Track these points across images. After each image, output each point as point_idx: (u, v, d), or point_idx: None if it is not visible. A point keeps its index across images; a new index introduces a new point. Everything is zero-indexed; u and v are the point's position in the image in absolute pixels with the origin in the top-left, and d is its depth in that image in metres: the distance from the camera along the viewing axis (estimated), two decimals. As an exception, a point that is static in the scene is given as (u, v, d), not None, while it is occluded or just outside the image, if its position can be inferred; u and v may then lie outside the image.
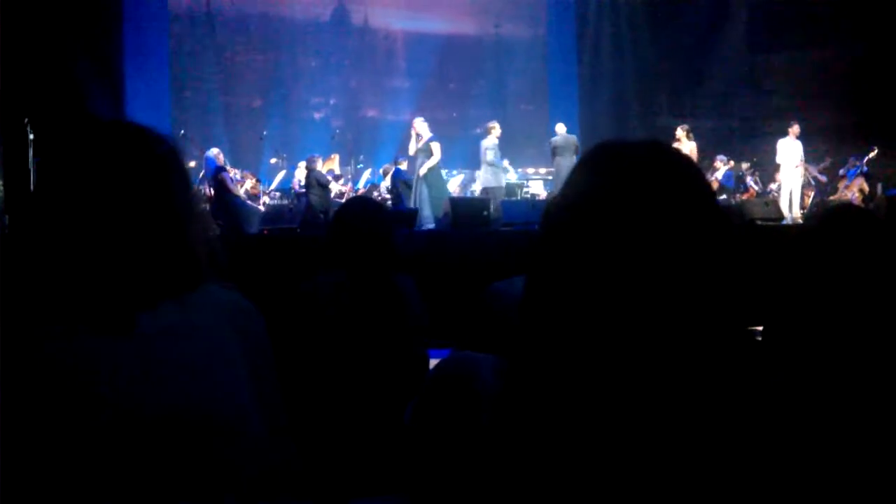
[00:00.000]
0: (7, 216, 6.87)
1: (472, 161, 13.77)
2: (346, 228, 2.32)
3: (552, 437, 0.73)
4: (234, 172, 9.95)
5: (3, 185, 6.84)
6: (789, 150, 10.89)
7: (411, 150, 9.56)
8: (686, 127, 10.98)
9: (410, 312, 2.35)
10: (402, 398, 2.17)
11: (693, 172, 0.78)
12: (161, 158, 1.06)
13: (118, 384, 0.96)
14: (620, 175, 0.75)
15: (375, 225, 2.32)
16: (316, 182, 9.75)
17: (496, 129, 9.91)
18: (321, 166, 10.17)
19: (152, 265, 1.01)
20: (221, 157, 9.61)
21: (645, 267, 0.72)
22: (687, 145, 10.72)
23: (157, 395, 0.97)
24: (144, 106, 12.10)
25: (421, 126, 9.52)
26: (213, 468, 0.99)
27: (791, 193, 10.85)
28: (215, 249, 1.10)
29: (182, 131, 11.94)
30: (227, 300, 1.10)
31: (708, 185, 0.79)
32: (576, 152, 10.58)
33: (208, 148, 9.82)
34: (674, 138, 10.80)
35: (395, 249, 2.36)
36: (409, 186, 9.98)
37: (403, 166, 10.74)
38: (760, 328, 1.91)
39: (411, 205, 9.22)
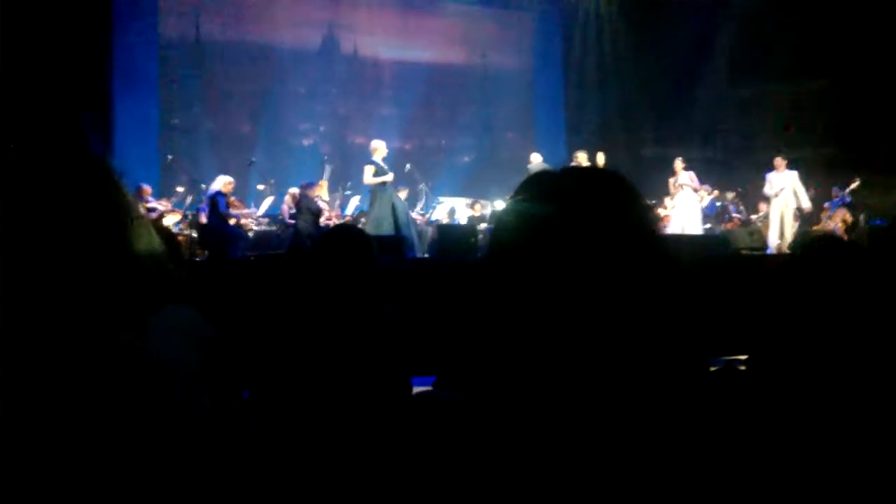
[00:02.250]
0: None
1: (460, 188, 13.85)
2: (329, 255, 2.32)
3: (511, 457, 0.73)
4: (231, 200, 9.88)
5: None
6: (775, 183, 10.98)
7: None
8: (682, 158, 11.21)
9: (394, 340, 2.34)
10: (384, 423, 2.16)
11: (625, 197, 0.78)
12: (100, 184, 1.05)
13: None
14: (552, 200, 0.76)
15: (359, 252, 2.32)
16: (307, 209, 9.73)
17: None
18: (315, 193, 10.19)
19: (104, 291, 0.99)
20: (230, 186, 9.56)
21: (574, 286, 0.72)
22: (683, 175, 10.96)
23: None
24: (132, 131, 12.11)
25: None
26: None
27: (782, 223, 10.86)
28: (163, 266, 1.08)
29: (170, 156, 11.93)
30: (181, 318, 1.11)
31: (642, 209, 0.79)
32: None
33: (206, 175, 9.78)
34: (672, 171, 11.05)
35: (376, 277, 2.35)
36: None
37: (402, 194, 10.74)
38: (743, 357, 1.92)
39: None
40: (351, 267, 2.29)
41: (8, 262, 0.96)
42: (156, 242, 1.07)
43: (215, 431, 1.05)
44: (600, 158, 11.30)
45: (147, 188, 10.39)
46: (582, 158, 10.85)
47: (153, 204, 10.22)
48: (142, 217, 1.08)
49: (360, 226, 9.73)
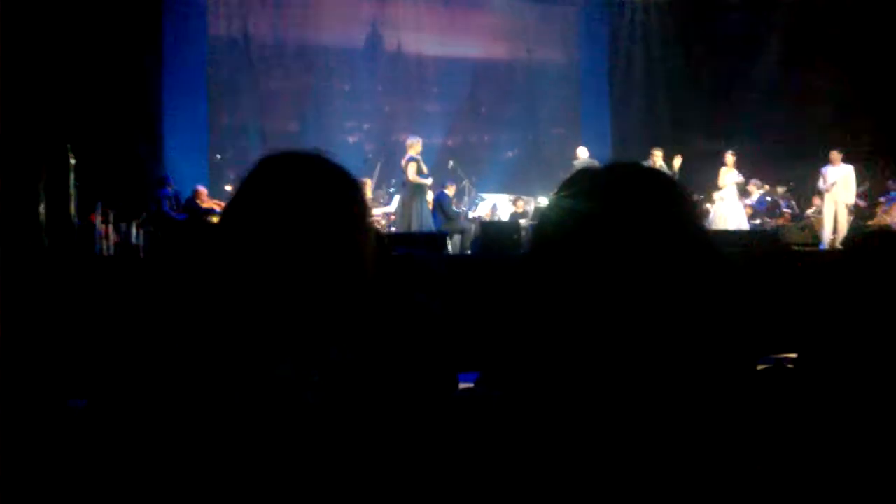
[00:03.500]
0: (48, 238, 7.02)
1: (503, 185, 13.81)
2: None
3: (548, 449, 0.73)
4: None
5: (46, 209, 7.00)
6: (830, 178, 10.71)
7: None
8: (733, 152, 11.01)
9: (435, 334, 2.35)
10: (424, 420, 2.16)
11: (670, 193, 0.78)
12: (349, 194, 1.09)
13: None
14: (596, 197, 0.76)
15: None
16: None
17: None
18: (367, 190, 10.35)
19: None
20: None
21: (621, 281, 0.72)
22: (732, 172, 10.80)
23: None
24: (182, 130, 12.35)
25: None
26: None
27: (836, 218, 10.61)
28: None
29: (218, 155, 12.14)
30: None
31: (687, 205, 0.79)
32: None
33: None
34: (722, 163, 10.88)
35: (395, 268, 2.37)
36: (445, 211, 10.08)
37: (450, 191, 10.86)
38: (793, 355, 1.87)
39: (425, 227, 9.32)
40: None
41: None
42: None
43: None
44: (677, 161, 11.11)
45: (203, 189, 10.60)
46: (658, 156, 10.77)
47: (209, 204, 10.40)
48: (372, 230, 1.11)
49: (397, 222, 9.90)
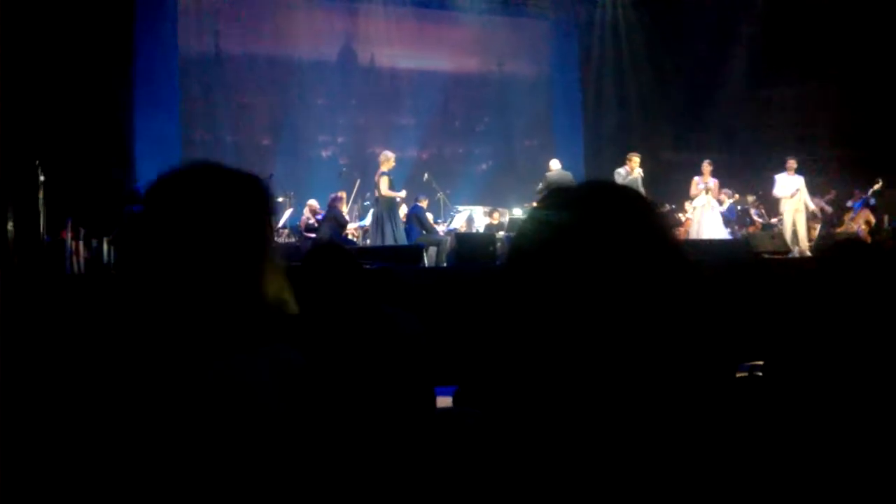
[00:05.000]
0: (16, 256, 6.92)
1: (477, 197, 13.86)
2: (313, 273, 2.33)
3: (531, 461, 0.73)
4: None
5: (14, 226, 6.89)
6: (786, 185, 10.93)
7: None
8: (709, 162, 11.16)
9: (408, 349, 2.35)
10: (405, 437, 2.16)
11: (641, 205, 0.80)
12: (253, 206, 1.08)
13: None
14: (571, 209, 0.78)
15: (342, 265, 2.34)
16: (334, 218, 9.89)
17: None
18: (343, 206, 10.38)
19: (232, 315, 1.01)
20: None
21: (597, 293, 0.73)
22: (711, 180, 10.96)
23: None
24: (154, 145, 12.24)
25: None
26: None
27: (795, 226, 10.83)
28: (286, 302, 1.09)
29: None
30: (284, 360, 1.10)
31: (658, 216, 0.81)
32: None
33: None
34: (699, 172, 11.03)
35: (367, 286, 2.37)
36: (423, 223, 10.13)
37: (423, 203, 10.89)
38: (760, 363, 1.90)
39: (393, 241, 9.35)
40: (337, 280, 2.30)
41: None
42: (282, 282, 1.08)
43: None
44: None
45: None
46: (635, 161, 10.81)
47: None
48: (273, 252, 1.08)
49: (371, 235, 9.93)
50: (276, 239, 1.14)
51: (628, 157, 11.00)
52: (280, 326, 1.07)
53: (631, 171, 10.76)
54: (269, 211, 1.11)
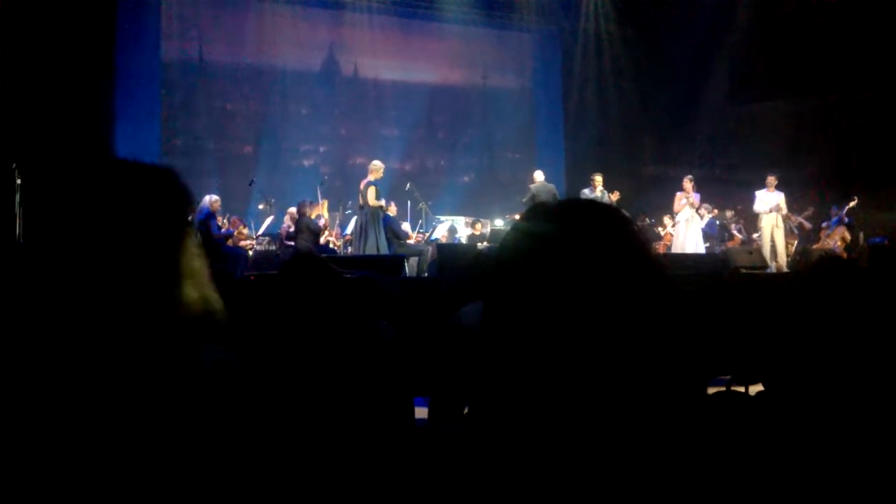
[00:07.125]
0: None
1: (460, 208, 13.90)
2: (291, 284, 2.33)
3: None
4: (219, 220, 9.95)
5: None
6: (765, 201, 11.07)
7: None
8: (690, 178, 11.35)
9: (383, 358, 2.34)
10: (382, 446, 2.15)
11: (619, 219, 0.82)
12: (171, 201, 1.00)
13: None
14: (552, 222, 0.80)
15: (319, 276, 2.34)
16: (306, 228, 9.77)
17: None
18: (311, 212, 10.22)
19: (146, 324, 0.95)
20: (217, 204, 9.56)
21: (580, 304, 0.75)
22: (694, 195, 11.12)
23: None
24: (135, 151, 12.07)
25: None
26: None
27: (773, 241, 10.97)
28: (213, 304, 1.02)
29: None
30: (215, 362, 1.02)
31: (636, 230, 0.83)
32: (554, 200, 10.75)
33: (201, 193, 9.82)
34: (680, 186, 11.20)
35: (345, 298, 2.37)
36: (396, 232, 10.08)
37: (392, 211, 10.82)
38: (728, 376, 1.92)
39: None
40: (314, 292, 2.30)
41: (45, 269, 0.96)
42: (207, 281, 1.01)
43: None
44: (615, 195, 11.52)
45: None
46: (598, 182, 11.22)
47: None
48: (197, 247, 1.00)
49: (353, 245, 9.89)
50: (199, 242, 1.04)
51: (591, 177, 11.53)
52: (204, 336, 1.00)
53: (594, 190, 11.15)
54: (184, 210, 1.01)
